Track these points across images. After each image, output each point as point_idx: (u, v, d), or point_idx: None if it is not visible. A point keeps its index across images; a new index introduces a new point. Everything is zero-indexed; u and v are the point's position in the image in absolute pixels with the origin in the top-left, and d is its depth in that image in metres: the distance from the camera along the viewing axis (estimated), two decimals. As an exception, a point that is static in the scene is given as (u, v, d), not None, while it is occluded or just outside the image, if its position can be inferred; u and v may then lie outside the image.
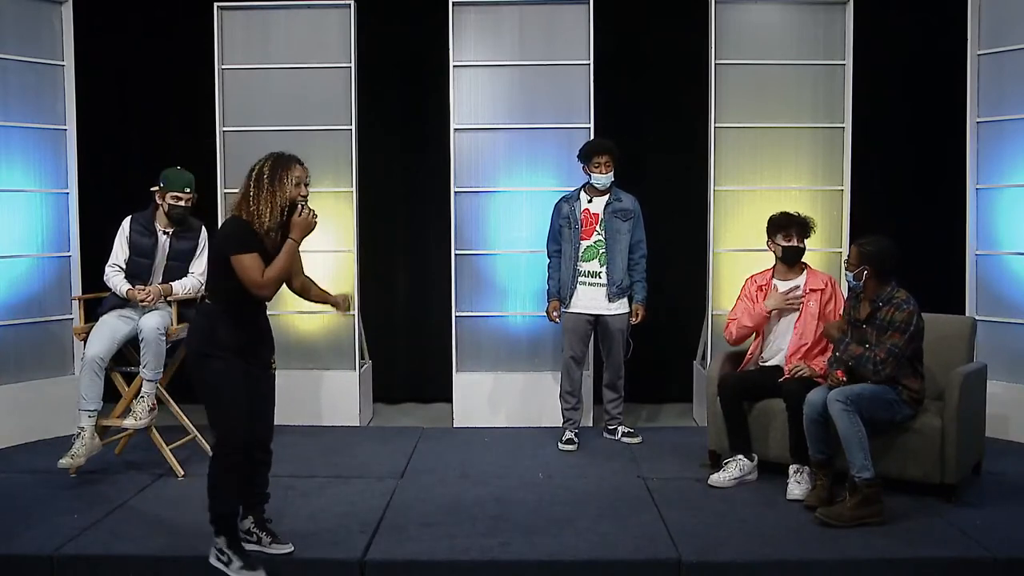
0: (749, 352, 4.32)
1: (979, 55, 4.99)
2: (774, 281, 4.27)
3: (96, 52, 5.49)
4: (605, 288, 4.74)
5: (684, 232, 5.50)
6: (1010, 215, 4.92)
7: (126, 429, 4.24)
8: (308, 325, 5.38)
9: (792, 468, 3.92)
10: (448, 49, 5.21)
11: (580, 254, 4.76)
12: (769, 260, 4.44)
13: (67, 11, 5.07)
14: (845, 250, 5.00)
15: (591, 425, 5.16)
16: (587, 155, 4.74)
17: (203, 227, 4.47)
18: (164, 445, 4.22)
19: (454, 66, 5.23)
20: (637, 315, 4.78)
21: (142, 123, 5.87)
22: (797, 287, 4.17)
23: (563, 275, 4.78)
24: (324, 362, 5.36)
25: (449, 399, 5.37)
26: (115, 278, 4.28)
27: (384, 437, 5.05)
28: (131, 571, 3.28)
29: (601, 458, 4.57)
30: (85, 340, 4.23)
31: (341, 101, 5.27)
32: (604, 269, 4.74)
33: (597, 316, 4.77)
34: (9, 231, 4.89)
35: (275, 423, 3.31)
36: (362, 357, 5.45)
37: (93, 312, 4.38)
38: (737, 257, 5.21)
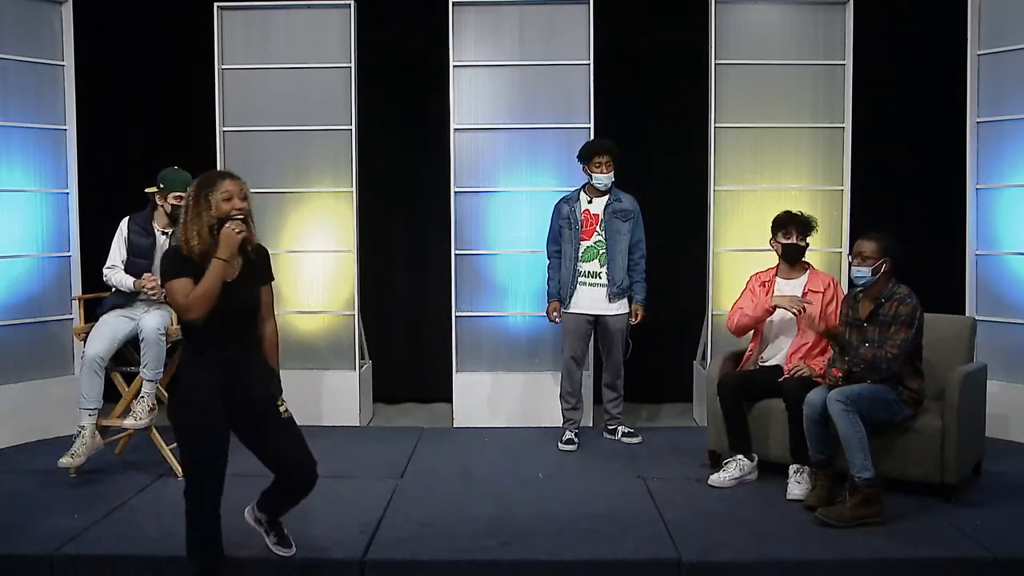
0: (748, 351, 4.32)
1: (979, 55, 4.99)
2: (777, 280, 4.27)
3: (96, 52, 5.50)
4: (605, 288, 4.74)
5: (684, 232, 5.50)
6: (1010, 215, 4.92)
7: (126, 429, 4.24)
8: (308, 325, 5.38)
9: (792, 468, 3.92)
10: (448, 49, 5.21)
11: (580, 255, 4.76)
12: (769, 260, 4.45)
13: (67, 11, 5.07)
14: (845, 250, 5.01)
15: (591, 425, 5.16)
16: (587, 155, 4.74)
17: None
18: (164, 445, 4.22)
19: (454, 66, 5.23)
20: (637, 315, 4.78)
21: (142, 123, 5.87)
22: (808, 301, 4.12)
23: (563, 275, 4.78)
24: (324, 362, 5.36)
25: (449, 399, 5.37)
26: (117, 275, 4.27)
27: (384, 437, 5.05)
28: (131, 571, 3.28)
29: (601, 458, 4.58)
30: (85, 340, 4.23)
31: (341, 101, 5.27)
32: (604, 269, 4.74)
33: (597, 316, 4.77)
34: (9, 231, 4.89)
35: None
36: (362, 357, 5.45)
37: (93, 312, 4.39)
38: (737, 257, 5.21)
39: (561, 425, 4.86)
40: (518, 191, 5.31)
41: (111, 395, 4.26)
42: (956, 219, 5.17)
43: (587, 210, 4.77)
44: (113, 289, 4.33)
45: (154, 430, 4.22)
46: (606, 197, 4.76)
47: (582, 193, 4.81)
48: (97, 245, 4.70)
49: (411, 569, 3.26)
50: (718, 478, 4.06)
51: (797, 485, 3.86)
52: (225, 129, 5.28)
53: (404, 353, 5.98)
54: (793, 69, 5.23)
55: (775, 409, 4.05)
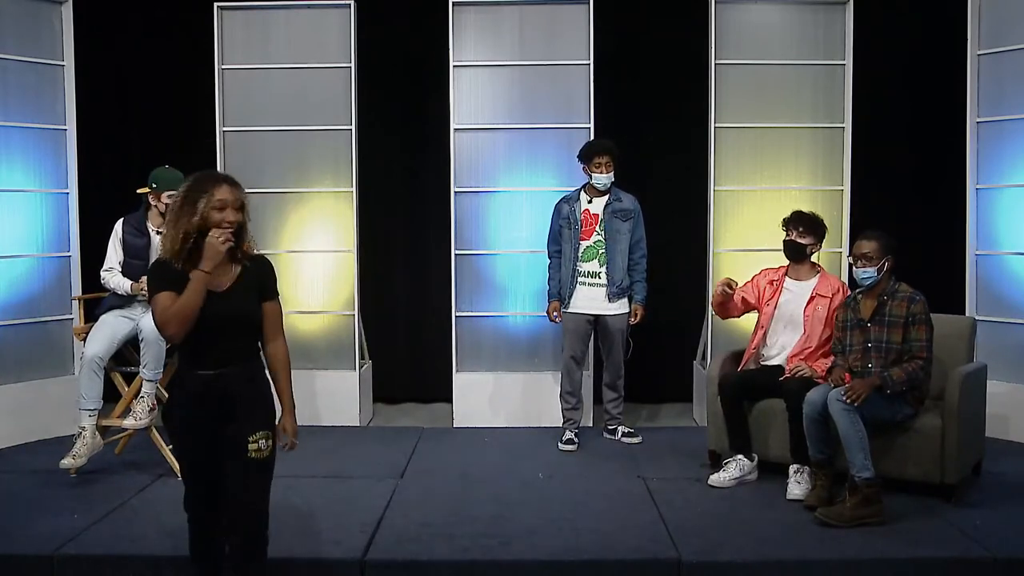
0: (748, 351, 4.32)
1: (979, 55, 4.99)
2: (786, 280, 4.25)
3: (96, 52, 5.50)
4: (605, 288, 4.74)
5: (684, 232, 5.50)
6: (1010, 215, 4.92)
7: (126, 429, 4.23)
8: (308, 325, 5.38)
9: (792, 468, 3.92)
10: (448, 49, 5.21)
11: (580, 254, 4.76)
12: (768, 260, 4.45)
13: (67, 11, 5.07)
14: (845, 250, 5.01)
15: (591, 425, 5.15)
16: (587, 155, 4.74)
17: None
18: (164, 445, 4.21)
19: (454, 66, 5.23)
20: (637, 315, 4.78)
21: (142, 123, 5.87)
22: (735, 282, 4.15)
23: (563, 275, 4.78)
24: (324, 362, 5.35)
25: (449, 399, 5.37)
26: (115, 278, 4.27)
27: (384, 437, 5.05)
28: (131, 571, 3.28)
29: (601, 458, 4.57)
30: (85, 340, 4.23)
31: (341, 101, 5.27)
32: (604, 269, 4.73)
33: (597, 316, 4.77)
34: (9, 231, 4.89)
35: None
36: (362, 357, 5.45)
37: (93, 312, 4.38)
38: (737, 257, 5.20)
39: (561, 425, 4.86)
40: (518, 191, 5.31)
41: (111, 395, 4.26)
42: (956, 219, 5.17)
43: (587, 210, 4.77)
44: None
45: (154, 430, 4.21)
46: (606, 197, 4.76)
47: (582, 193, 4.81)
48: (97, 245, 4.69)
49: (411, 569, 3.26)
50: (718, 478, 4.05)
51: (797, 485, 3.86)
52: (225, 129, 5.28)
53: (404, 353, 5.97)
54: (793, 69, 5.23)
55: (775, 409, 4.05)
